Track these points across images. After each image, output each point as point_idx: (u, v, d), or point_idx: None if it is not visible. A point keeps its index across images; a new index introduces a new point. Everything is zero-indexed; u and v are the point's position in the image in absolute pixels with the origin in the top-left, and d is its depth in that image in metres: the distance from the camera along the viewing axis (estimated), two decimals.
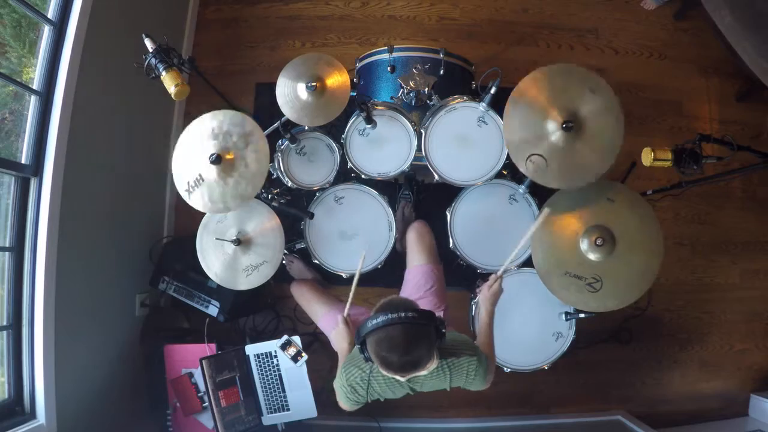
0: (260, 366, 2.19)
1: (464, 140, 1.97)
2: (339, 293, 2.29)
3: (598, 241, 1.79)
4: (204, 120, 1.76)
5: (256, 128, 1.76)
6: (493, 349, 1.67)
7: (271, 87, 1.92)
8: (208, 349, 2.20)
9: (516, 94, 1.74)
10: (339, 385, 1.54)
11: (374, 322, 1.28)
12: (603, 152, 1.73)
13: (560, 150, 1.72)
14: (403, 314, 1.27)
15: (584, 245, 1.83)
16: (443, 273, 2.01)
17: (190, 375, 2.23)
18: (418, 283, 1.93)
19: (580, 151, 1.73)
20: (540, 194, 2.00)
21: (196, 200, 1.75)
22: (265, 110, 2.70)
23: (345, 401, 1.56)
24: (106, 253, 2.23)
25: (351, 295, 1.64)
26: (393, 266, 2.08)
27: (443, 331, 1.34)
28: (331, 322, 2.01)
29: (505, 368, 2.04)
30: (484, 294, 1.69)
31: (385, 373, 1.43)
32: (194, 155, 1.75)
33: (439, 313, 1.87)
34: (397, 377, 1.43)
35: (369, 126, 1.97)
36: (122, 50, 2.11)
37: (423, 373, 1.43)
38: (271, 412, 2.19)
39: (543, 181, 1.75)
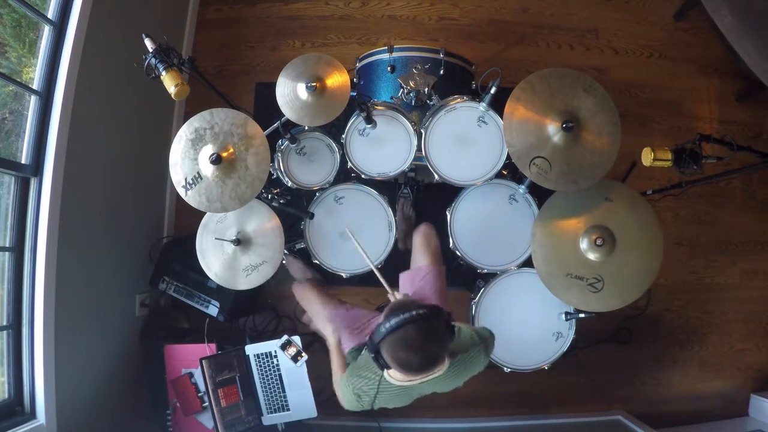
0: (260, 366, 2.19)
1: (464, 140, 1.97)
2: (339, 293, 2.29)
3: (598, 241, 1.80)
4: (205, 116, 1.77)
5: (257, 131, 1.76)
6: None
7: (271, 87, 1.92)
8: (208, 349, 2.20)
9: (507, 116, 1.76)
10: (344, 391, 1.53)
11: (387, 326, 1.27)
12: (604, 148, 1.74)
13: (563, 151, 1.73)
14: (414, 312, 1.26)
15: (584, 245, 1.84)
16: (446, 276, 2.00)
17: (190, 375, 2.23)
18: (420, 284, 1.92)
19: (582, 150, 1.73)
20: (540, 194, 2.00)
21: (192, 198, 1.75)
22: (265, 110, 2.70)
23: (348, 405, 1.56)
24: (106, 253, 2.23)
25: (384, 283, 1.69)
26: (393, 266, 2.08)
27: (453, 325, 1.33)
28: (333, 323, 2.00)
29: (505, 368, 2.04)
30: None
31: (400, 378, 1.41)
32: (194, 151, 1.75)
33: None
34: (413, 382, 1.42)
35: (369, 126, 1.97)
36: (122, 50, 2.11)
37: (438, 373, 1.41)
38: (271, 412, 2.19)
39: (547, 185, 1.75)
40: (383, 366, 1.35)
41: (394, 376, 1.43)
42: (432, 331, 1.28)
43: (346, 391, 1.52)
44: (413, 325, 1.26)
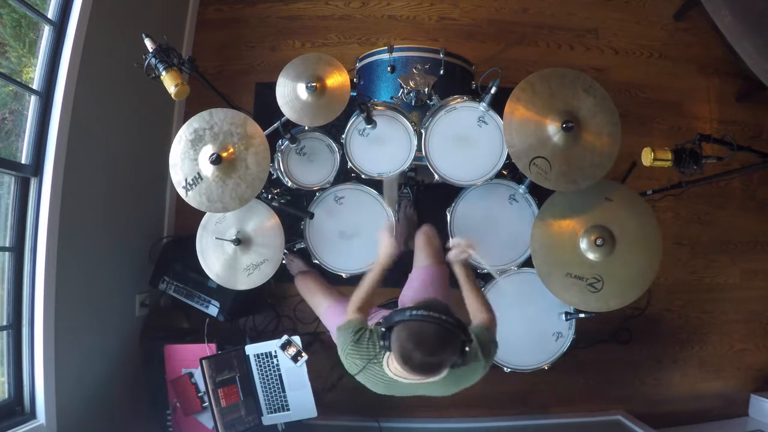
0: (260, 366, 2.19)
1: (464, 140, 1.97)
2: (341, 291, 2.29)
3: (598, 241, 1.80)
4: (204, 116, 1.76)
5: (257, 131, 1.76)
6: (488, 309, 1.62)
7: (271, 87, 1.92)
8: (208, 349, 2.20)
9: (507, 116, 1.76)
10: (343, 344, 1.48)
11: (414, 312, 1.27)
12: (604, 148, 1.74)
13: (563, 151, 1.73)
14: (444, 317, 1.26)
15: (584, 245, 1.84)
16: (448, 276, 2.00)
17: (190, 375, 2.23)
18: (423, 283, 1.92)
19: (583, 150, 1.74)
20: (540, 194, 2.00)
21: (193, 198, 1.75)
22: (265, 110, 2.70)
23: (340, 351, 1.52)
24: (106, 253, 2.23)
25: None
26: (393, 266, 2.08)
27: (467, 349, 1.33)
28: (334, 314, 2.01)
29: (505, 368, 2.04)
30: (452, 253, 1.69)
31: (395, 371, 1.40)
32: (194, 151, 1.75)
33: None
34: (406, 381, 1.41)
35: (369, 126, 1.97)
36: (122, 50, 2.11)
37: (432, 379, 1.39)
38: (271, 412, 2.19)
39: (547, 185, 1.75)
40: (385, 347, 1.33)
41: (391, 366, 1.41)
42: (449, 343, 1.28)
43: (344, 352, 1.48)
44: (437, 327, 1.26)
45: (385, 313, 1.89)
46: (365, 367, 1.45)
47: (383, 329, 1.34)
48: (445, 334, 1.26)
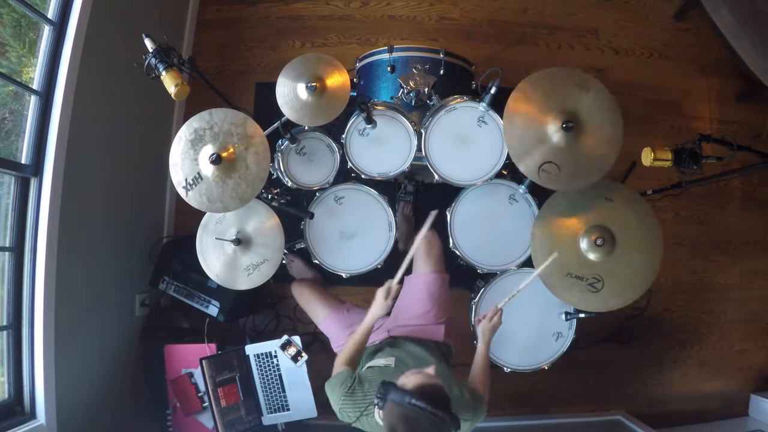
0: (260, 366, 2.19)
1: (464, 140, 1.97)
2: (339, 293, 2.29)
3: (598, 241, 1.80)
4: (204, 116, 1.76)
5: (257, 131, 1.76)
6: (487, 385, 1.68)
7: (271, 87, 1.92)
8: (208, 349, 2.20)
9: (507, 117, 1.76)
10: (334, 399, 1.53)
11: (411, 401, 1.26)
12: (607, 143, 1.74)
13: (566, 150, 1.72)
14: (440, 413, 1.25)
15: (584, 245, 1.84)
16: (448, 282, 1.99)
17: (190, 375, 2.23)
18: (422, 292, 1.91)
19: (584, 147, 1.73)
20: (540, 194, 2.00)
21: (193, 198, 1.75)
22: (265, 110, 2.70)
23: (333, 405, 1.56)
24: (106, 253, 2.23)
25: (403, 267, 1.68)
26: (393, 266, 2.07)
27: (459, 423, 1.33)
28: (332, 323, 2.01)
29: (505, 368, 2.04)
30: (483, 326, 1.71)
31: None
32: (194, 151, 1.75)
33: (440, 325, 1.86)
34: None
35: (369, 126, 1.97)
36: (122, 50, 2.11)
37: None
38: (271, 412, 2.19)
39: (557, 187, 1.75)
40: (379, 406, 1.34)
41: (380, 419, 1.41)
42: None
43: (336, 401, 1.52)
44: (430, 421, 1.25)
45: (383, 320, 1.89)
46: (359, 418, 1.47)
47: (378, 396, 1.33)
48: (438, 428, 1.26)
